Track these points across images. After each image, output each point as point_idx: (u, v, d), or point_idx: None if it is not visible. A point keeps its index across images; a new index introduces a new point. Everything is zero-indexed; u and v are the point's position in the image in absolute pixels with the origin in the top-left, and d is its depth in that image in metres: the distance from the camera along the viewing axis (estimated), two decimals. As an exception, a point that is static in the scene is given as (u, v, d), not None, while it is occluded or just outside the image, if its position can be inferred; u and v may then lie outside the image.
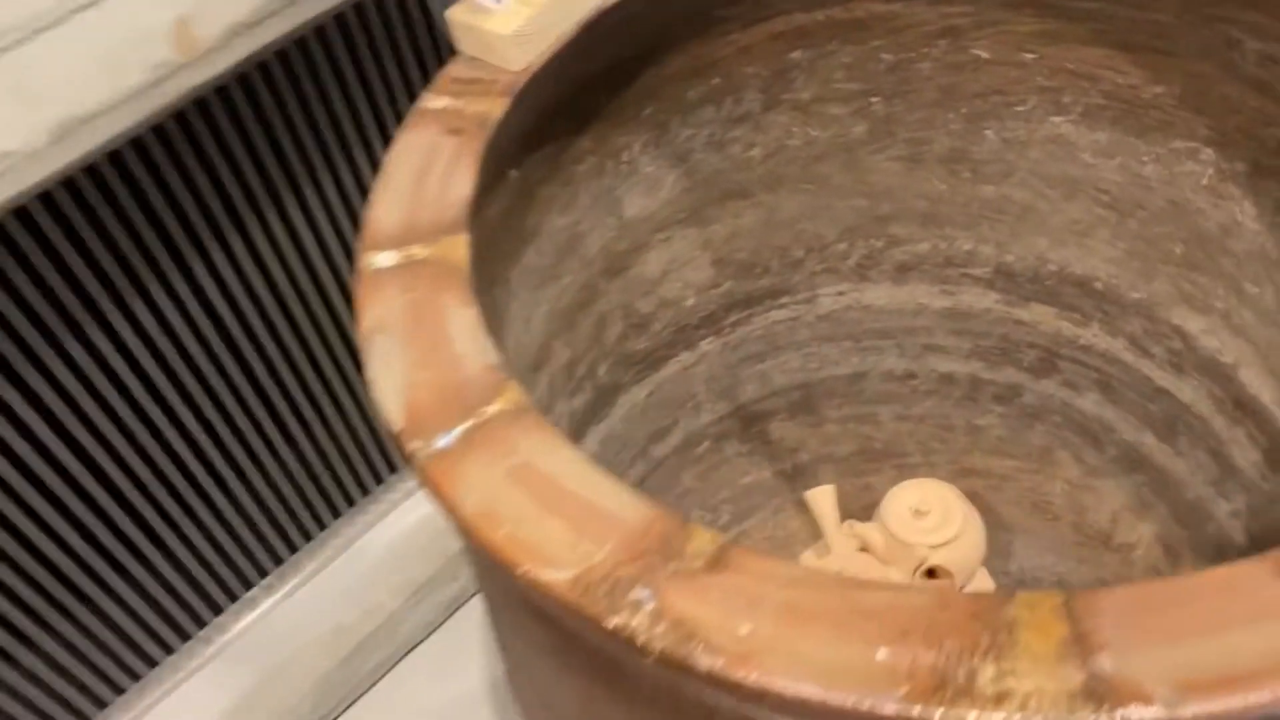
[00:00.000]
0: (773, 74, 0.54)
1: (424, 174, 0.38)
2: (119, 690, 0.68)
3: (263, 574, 0.73)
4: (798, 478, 0.72)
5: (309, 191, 0.63)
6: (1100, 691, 0.22)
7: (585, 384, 0.57)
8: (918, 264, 0.62)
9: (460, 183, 0.37)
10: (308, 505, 0.73)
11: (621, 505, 0.27)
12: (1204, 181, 0.51)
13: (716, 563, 0.26)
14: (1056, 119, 0.54)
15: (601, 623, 0.25)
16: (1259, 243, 0.50)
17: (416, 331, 0.32)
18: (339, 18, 0.59)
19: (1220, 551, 0.57)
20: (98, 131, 0.48)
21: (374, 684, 0.78)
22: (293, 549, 0.74)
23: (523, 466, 0.29)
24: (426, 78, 0.65)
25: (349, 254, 0.67)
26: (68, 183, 0.52)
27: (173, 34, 0.49)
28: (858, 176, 0.59)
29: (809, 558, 0.69)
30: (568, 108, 0.47)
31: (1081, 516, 0.66)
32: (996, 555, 0.69)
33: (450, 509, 0.28)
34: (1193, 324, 0.55)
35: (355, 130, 0.63)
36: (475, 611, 0.80)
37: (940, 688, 0.23)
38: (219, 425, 0.64)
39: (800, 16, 0.52)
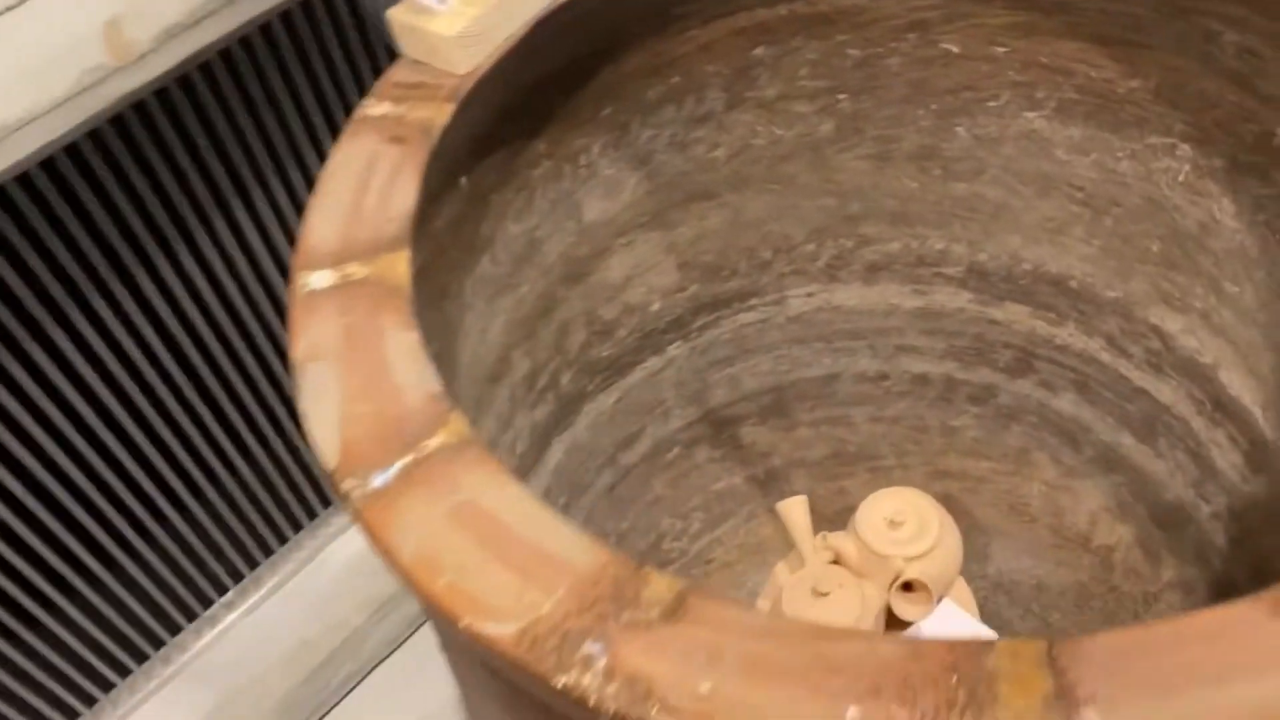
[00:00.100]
0: (735, 71, 0.52)
1: (363, 186, 0.35)
2: (73, 716, 0.65)
3: (222, 591, 0.71)
4: (770, 483, 0.70)
5: (257, 195, 0.60)
6: (1087, 752, 0.21)
7: (548, 394, 0.55)
8: (889, 264, 0.61)
9: (402, 195, 0.35)
10: (267, 520, 0.71)
11: (571, 548, 0.25)
12: (1181, 178, 0.50)
13: (674, 612, 0.24)
14: (1029, 114, 0.52)
15: (549, 681, 0.23)
16: (1238, 240, 0.49)
17: (353, 359, 0.30)
18: (285, 15, 0.56)
19: (1200, 554, 0.56)
20: (26, 141, 0.46)
21: (339, 701, 0.76)
22: (253, 564, 0.72)
23: (465, 505, 0.27)
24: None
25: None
26: (-4, 194, 0.49)
27: (103, 37, 0.46)
28: (825, 175, 0.57)
29: (782, 570, 0.67)
30: (520, 110, 0.45)
31: (1059, 518, 0.65)
32: (974, 558, 0.67)
33: (386, 555, 0.26)
34: (1171, 323, 0.54)
35: (305, 132, 0.61)
36: (442, 624, 0.79)
37: (915, 751, 0.21)
38: (172, 443, 0.62)
39: (762, 12, 0.50)
